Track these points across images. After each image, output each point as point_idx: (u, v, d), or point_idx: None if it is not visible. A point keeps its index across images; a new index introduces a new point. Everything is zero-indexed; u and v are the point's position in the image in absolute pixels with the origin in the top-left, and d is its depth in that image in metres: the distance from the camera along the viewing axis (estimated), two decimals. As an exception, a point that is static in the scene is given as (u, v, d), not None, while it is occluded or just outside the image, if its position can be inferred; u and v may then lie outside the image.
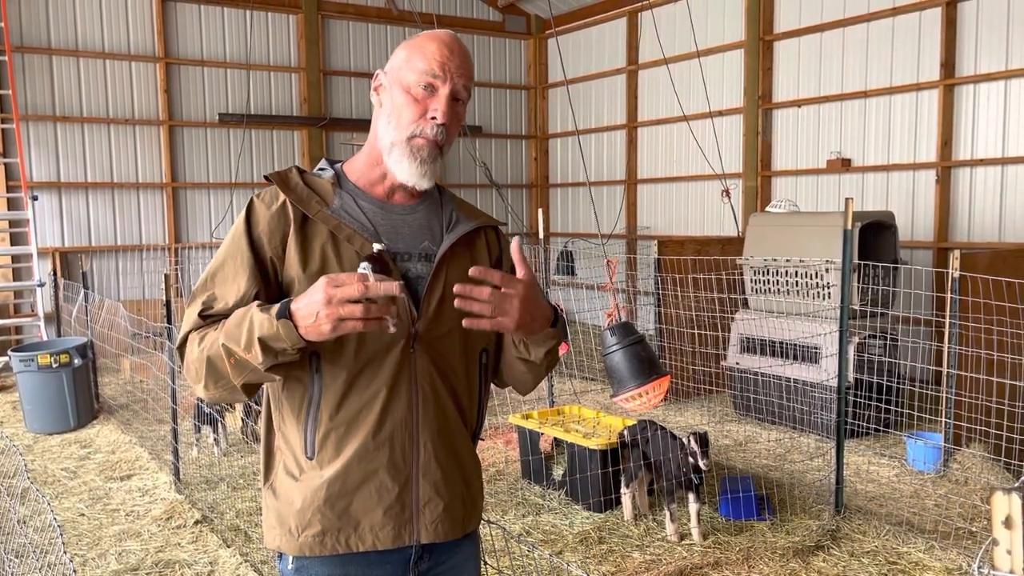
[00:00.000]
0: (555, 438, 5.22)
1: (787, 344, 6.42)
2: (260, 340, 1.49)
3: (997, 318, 5.14)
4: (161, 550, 4.44)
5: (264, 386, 1.73)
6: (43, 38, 9.80)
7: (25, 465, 4.16)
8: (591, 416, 5.42)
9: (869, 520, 4.60)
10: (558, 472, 5.16)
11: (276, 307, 1.49)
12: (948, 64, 7.95)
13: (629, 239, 11.51)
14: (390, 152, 1.70)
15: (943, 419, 5.50)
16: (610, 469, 4.76)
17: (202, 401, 5.91)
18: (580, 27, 12.25)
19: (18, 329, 9.81)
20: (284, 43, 11.25)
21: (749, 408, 6.81)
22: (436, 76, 1.65)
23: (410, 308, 1.67)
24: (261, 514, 1.79)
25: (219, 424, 5.96)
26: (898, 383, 6.17)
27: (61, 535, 2.70)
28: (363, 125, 11.57)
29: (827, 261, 6.15)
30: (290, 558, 1.71)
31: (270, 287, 1.66)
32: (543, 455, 5.28)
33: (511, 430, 6.11)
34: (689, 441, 4.31)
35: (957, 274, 5.29)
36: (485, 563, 2.64)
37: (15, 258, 9.75)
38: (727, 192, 9.16)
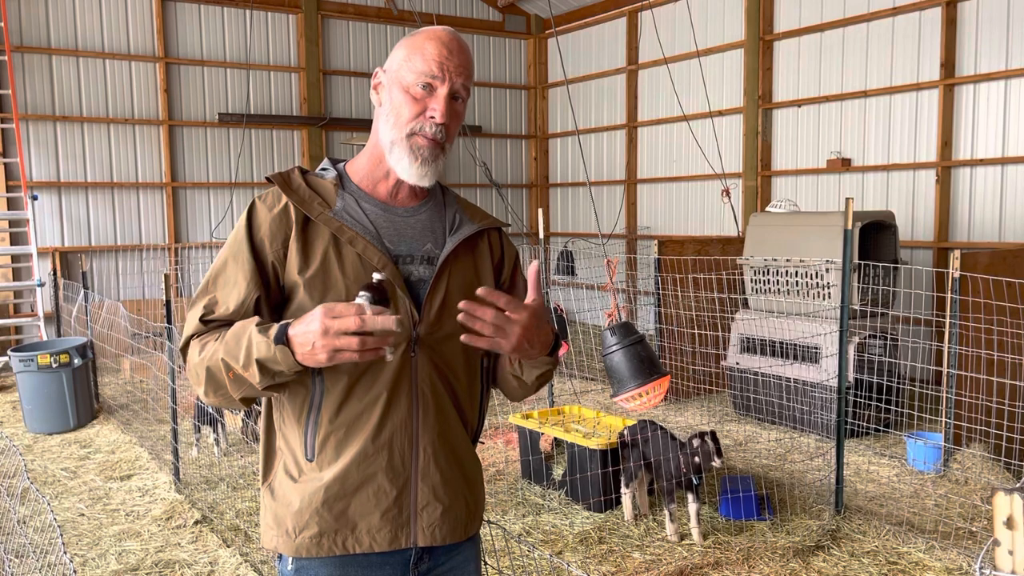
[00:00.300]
0: (555, 438, 5.22)
1: (787, 344, 6.42)
2: (258, 362, 1.49)
3: (997, 318, 5.14)
4: (161, 550, 4.45)
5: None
6: (43, 38, 9.80)
7: (25, 465, 4.16)
8: (591, 416, 5.43)
9: (869, 520, 4.61)
10: (558, 472, 5.16)
11: (275, 329, 1.48)
12: (948, 64, 7.95)
13: (629, 239, 11.51)
14: (391, 150, 1.69)
15: (943, 419, 5.50)
16: (610, 469, 4.76)
17: (202, 401, 5.91)
18: (580, 27, 12.24)
19: (18, 329, 9.81)
20: (284, 43, 11.25)
21: (749, 408, 6.81)
22: (435, 77, 1.65)
23: (411, 311, 1.66)
24: (261, 514, 1.79)
25: (219, 424, 5.96)
26: (898, 383, 6.17)
27: (61, 535, 2.70)
28: (363, 125, 11.57)
29: (827, 261, 6.15)
30: (289, 559, 1.71)
31: (271, 291, 1.65)
32: (543, 455, 5.28)
33: (511, 430, 6.11)
34: (704, 440, 4.32)
35: (957, 274, 5.29)
36: (485, 563, 2.64)
37: (15, 258, 9.75)
38: (727, 192, 9.17)
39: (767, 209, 7.37)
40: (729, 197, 9.17)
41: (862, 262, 6.17)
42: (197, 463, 5.85)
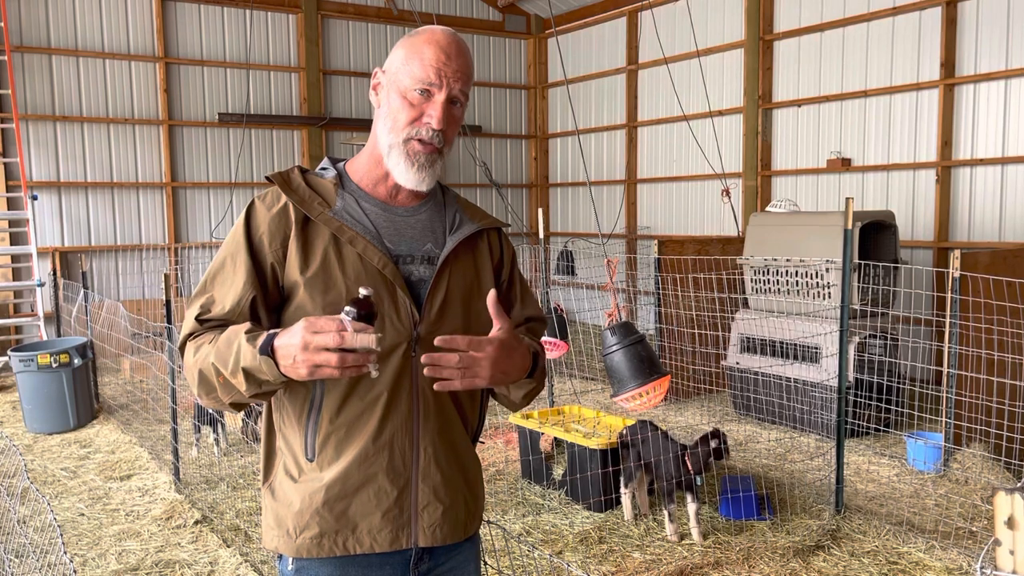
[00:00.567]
0: (555, 438, 5.22)
1: (787, 344, 6.42)
2: (244, 371, 1.49)
3: (997, 318, 5.14)
4: (161, 550, 4.44)
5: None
6: (43, 38, 9.80)
7: (25, 465, 4.15)
8: (591, 416, 5.42)
9: (869, 520, 4.61)
10: (558, 472, 5.16)
11: (262, 339, 1.48)
12: (948, 64, 7.95)
13: (629, 239, 11.51)
14: (388, 154, 1.69)
15: (943, 419, 5.50)
16: (610, 469, 4.76)
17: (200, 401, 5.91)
18: (580, 27, 12.24)
19: (18, 329, 9.81)
20: (284, 43, 11.25)
21: (749, 408, 6.81)
22: (432, 84, 1.64)
23: (412, 311, 1.66)
24: (261, 514, 1.78)
25: (219, 424, 5.96)
26: (898, 383, 6.17)
27: (61, 535, 2.70)
28: (363, 125, 11.57)
29: (827, 261, 6.15)
30: (290, 559, 1.71)
31: (269, 291, 1.65)
32: (543, 455, 5.27)
33: (511, 430, 6.11)
34: (717, 439, 4.32)
35: (957, 274, 5.29)
36: (485, 563, 2.64)
37: (15, 258, 9.75)
38: (727, 192, 9.16)
39: (767, 209, 7.37)
40: (729, 197, 9.17)
41: (862, 262, 6.17)
42: (197, 463, 5.85)
